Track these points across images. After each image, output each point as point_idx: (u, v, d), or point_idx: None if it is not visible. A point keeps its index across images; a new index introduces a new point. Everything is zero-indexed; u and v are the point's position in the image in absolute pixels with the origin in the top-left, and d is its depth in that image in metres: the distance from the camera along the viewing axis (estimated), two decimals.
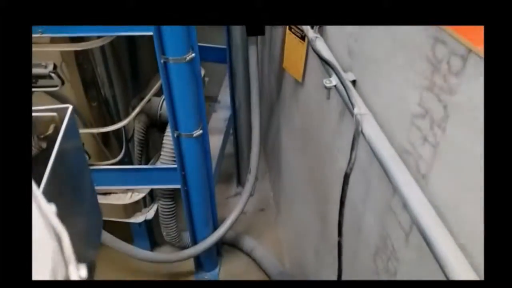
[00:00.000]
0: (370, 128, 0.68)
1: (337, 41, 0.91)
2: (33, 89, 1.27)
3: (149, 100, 1.58)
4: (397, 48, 0.64)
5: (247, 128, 1.98)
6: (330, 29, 0.96)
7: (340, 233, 0.76)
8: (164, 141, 1.57)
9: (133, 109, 1.51)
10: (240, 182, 2.20)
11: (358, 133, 0.67)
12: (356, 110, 0.69)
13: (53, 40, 1.21)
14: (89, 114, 1.40)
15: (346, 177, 0.70)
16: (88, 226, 0.76)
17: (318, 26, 0.97)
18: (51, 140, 0.66)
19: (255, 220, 1.99)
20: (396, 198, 0.66)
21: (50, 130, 0.64)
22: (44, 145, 0.66)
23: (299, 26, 1.13)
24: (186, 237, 1.80)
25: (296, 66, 1.23)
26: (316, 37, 0.96)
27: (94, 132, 1.41)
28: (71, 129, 0.64)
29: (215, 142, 1.78)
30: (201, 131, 1.35)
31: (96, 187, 1.37)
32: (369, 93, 0.75)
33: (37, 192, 0.40)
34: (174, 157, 1.57)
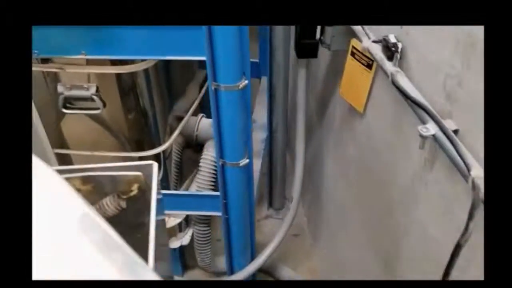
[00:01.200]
0: None
1: (426, 79, 0.81)
2: (74, 111, 1.19)
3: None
4: None
5: (283, 150, 1.89)
6: (414, 64, 0.86)
7: None
8: (201, 165, 1.48)
9: (171, 129, 1.43)
10: (272, 205, 2.10)
11: (478, 203, 0.57)
12: (473, 173, 0.59)
13: (91, 62, 1.12)
14: (128, 137, 1.32)
15: (458, 248, 0.60)
16: None
17: (398, 58, 0.88)
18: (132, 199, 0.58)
19: (289, 246, 1.89)
20: None
21: (134, 190, 0.56)
22: (124, 204, 0.58)
23: (365, 53, 1.04)
24: (220, 262, 1.71)
25: (357, 95, 1.14)
26: (397, 71, 0.86)
27: (134, 155, 1.32)
28: (157, 188, 0.56)
29: (254, 165, 1.69)
30: (247, 161, 1.26)
31: None
32: (478, 149, 0.65)
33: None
34: (212, 182, 1.49)
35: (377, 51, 0.95)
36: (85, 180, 0.53)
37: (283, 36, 1.50)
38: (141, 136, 1.34)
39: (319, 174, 1.72)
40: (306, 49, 1.24)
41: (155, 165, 0.57)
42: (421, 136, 0.70)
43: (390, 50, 0.90)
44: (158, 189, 0.57)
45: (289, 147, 2.00)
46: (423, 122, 0.74)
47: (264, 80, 1.83)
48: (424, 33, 0.82)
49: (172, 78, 1.47)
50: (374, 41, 0.98)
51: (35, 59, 1.13)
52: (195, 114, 1.54)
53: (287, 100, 1.74)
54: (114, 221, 0.55)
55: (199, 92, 1.62)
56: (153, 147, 1.35)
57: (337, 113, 1.44)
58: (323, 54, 1.38)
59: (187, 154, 1.66)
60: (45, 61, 1.14)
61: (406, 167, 0.94)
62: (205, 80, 1.64)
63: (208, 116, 1.70)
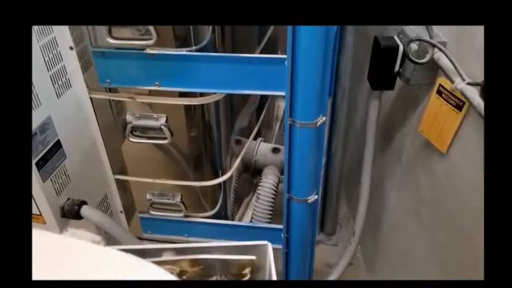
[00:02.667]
0: None
1: None
2: (142, 140, 1.16)
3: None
4: None
5: (339, 175, 1.83)
6: None
7: None
8: (259, 192, 1.44)
9: (232, 154, 1.39)
10: (323, 230, 2.04)
11: None
12: None
13: (159, 92, 1.09)
14: (190, 162, 1.29)
15: None
16: None
17: None
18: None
19: (344, 275, 1.82)
20: None
21: (247, 274, 0.51)
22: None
23: (456, 94, 0.97)
24: None
25: (440, 134, 1.07)
26: None
27: (196, 185, 1.29)
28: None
29: None
30: (316, 197, 1.20)
31: (189, 238, 1.24)
32: None
33: None
34: (269, 211, 1.44)
35: (474, 95, 0.89)
36: (194, 262, 0.49)
37: (352, 62, 1.44)
38: (203, 162, 1.30)
39: (379, 205, 1.64)
40: (383, 81, 1.18)
41: (269, 246, 0.52)
42: None
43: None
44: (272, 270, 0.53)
45: (342, 172, 1.93)
46: None
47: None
48: None
49: (234, 99, 1.43)
50: (469, 83, 0.91)
51: (103, 88, 1.11)
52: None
53: (349, 126, 1.68)
54: None
55: (257, 112, 1.58)
56: (215, 173, 1.31)
57: (406, 145, 1.36)
58: (397, 83, 1.31)
59: (243, 175, 1.62)
60: (112, 90, 1.12)
61: None
62: (262, 98, 1.60)
63: (266, 140, 1.66)
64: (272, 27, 1.38)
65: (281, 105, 1.93)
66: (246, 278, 0.52)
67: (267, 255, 0.51)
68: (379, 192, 1.62)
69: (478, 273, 0.96)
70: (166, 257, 0.40)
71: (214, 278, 0.52)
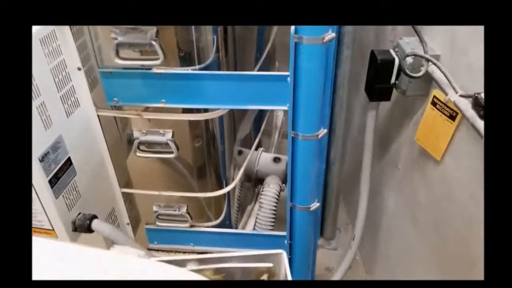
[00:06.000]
0: None
1: None
2: (148, 155, 1.20)
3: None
4: None
5: (338, 182, 1.88)
6: None
7: None
8: (262, 201, 1.48)
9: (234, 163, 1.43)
10: (323, 235, 2.09)
11: None
12: None
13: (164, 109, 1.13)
14: (196, 176, 1.33)
15: None
16: None
17: None
18: None
19: (343, 278, 1.87)
20: None
21: (265, 280, 0.56)
22: None
23: (449, 105, 1.02)
24: None
25: (435, 144, 1.12)
26: None
27: (201, 196, 1.33)
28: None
29: None
30: (317, 204, 1.25)
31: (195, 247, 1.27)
32: None
33: None
34: (272, 219, 1.48)
35: (466, 107, 0.94)
36: (217, 270, 0.53)
37: (349, 74, 1.49)
38: (207, 174, 1.34)
39: (376, 208, 1.69)
40: (380, 93, 1.22)
41: (284, 254, 0.56)
42: None
43: (483, 109, 0.88)
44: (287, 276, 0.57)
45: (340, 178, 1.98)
46: None
47: None
48: None
49: (235, 114, 1.47)
50: (462, 96, 0.96)
51: (109, 106, 1.14)
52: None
53: (346, 135, 1.73)
54: None
55: (257, 121, 1.62)
56: (219, 184, 1.35)
57: (402, 153, 1.41)
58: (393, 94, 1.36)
59: (246, 185, 1.66)
60: (117, 107, 1.15)
61: None
62: (261, 110, 1.64)
63: (265, 148, 1.70)
64: (270, 43, 1.42)
65: (280, 114, 1.97)
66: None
67: (282, 262, 0.56)
68: (377, 197, 1.67)
69: (472, 273, 1.01)
70: (190, 267, 0.44)
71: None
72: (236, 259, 0.56)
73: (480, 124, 0.89)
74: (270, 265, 0.56)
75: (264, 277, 0.56)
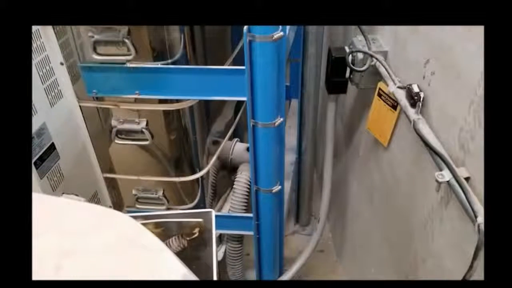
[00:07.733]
0: None
1: (444, 128, 0.92)
2: (125, 142, 1.33)
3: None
4: None
5: (311, 170, 2.00)
6: (434, 113, 0.97)
7: None
8: (235, 187, 1.60)
9: (208, 152, 1.55)
10: (298, 221, 2.21)
11: (481, 245, 0.68)
12: (479, 219, 0.70)
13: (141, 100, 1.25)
14: (171, 162, 1.45)
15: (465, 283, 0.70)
16: None
17: (420, 106, 0.98)
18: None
19: (315, 261, 2.00)
20: None
21: (196, 233, 0.68)
22: (185, 243, 0.70)
23: (391, 96, 1.14)
24: (250, 276, 1.83)
25: (382, 131, 1.24)
26: (419, 118, 0.97)
27: (176, 180, 1.46)
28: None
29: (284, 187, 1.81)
30: (279, 187, 1.37)
31: None
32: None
33: None
34: (244, 203, 1.60)
35: (401, 97, 1.06)
36: (157, 225, 0.66)
37: (315, 70, 1.61)
38: (182, 160, 1.46)
39: (344, 194, 1.82)
40: (336, 86, 1.35)
41: (213, 212, 0.69)
42: (437, 181, 0.81)
43: (413, 98, 1.00)
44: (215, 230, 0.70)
45: (316, 167, 2.11)
46: (440, 168, 0.84)
47: (294, 102, 1.95)
48: (445, 86, 0.92)
49: (210, 105, 1.59)
50: (399, 87, 1.09)
51: (91, 97, 1.27)
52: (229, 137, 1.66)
53: (316, 125, 1.85)
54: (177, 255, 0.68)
55: (234, 114, 1.74)
56: (193, 170, 1.47)
57: (362, 141, 1.54)
58: (351, 88, 1.49)
59: (221, 173, 1.79)
60: (98, 98, 1.28)
61: (424, 199, 1.05)
62: (238, 104, 1.77)
63: (241, 140, 1.82)
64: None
65: None
66: (195, 236, 0.69)
67: (211, 219, 0.68)
68: (344, 182, 1.80)
69: (411, 248, 1.13)
70: (139, 221, 0.55)
71: (172, 238, 0.69)
72: (173, 215, 0.69)
73: (411, 111, 1.01)
74: (200, 220, 0.68)
75: (196, 230, 0.68)
